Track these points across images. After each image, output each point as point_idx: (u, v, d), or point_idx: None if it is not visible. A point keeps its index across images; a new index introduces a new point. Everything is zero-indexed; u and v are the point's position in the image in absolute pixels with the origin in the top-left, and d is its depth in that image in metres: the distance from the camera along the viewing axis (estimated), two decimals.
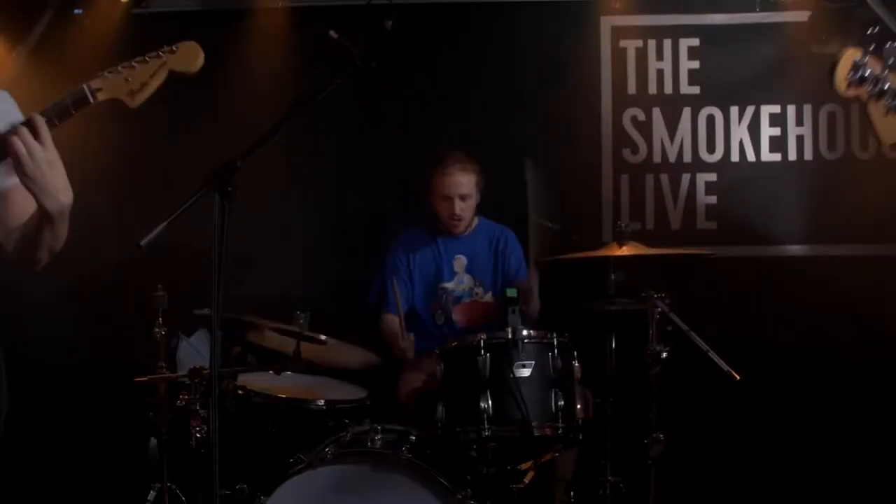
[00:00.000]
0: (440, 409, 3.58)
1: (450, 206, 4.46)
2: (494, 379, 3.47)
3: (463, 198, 4.46)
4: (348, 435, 3.66)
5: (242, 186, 3.62)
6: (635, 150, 5.21)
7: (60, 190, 2.50)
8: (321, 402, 3.97)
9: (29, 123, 2.46)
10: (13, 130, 2.45)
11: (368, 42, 3.58)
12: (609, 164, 5.26)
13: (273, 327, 4.05)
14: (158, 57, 2.55)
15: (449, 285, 4.60)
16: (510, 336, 3.49)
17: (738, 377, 3.57)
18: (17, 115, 2.66)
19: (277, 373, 4.16)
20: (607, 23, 5.26)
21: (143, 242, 3.19)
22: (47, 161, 2.46)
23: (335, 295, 5.07)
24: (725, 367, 3.59)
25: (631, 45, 5.24)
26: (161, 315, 4.19)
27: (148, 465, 4.17)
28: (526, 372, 3.47)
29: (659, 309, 3.75)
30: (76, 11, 5.29)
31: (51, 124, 2.48)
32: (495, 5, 5.25)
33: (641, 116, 5.21)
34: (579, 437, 3.57)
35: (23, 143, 2.43)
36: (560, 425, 3.46)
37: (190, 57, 2.57)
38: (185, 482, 4.07)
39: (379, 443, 3.53)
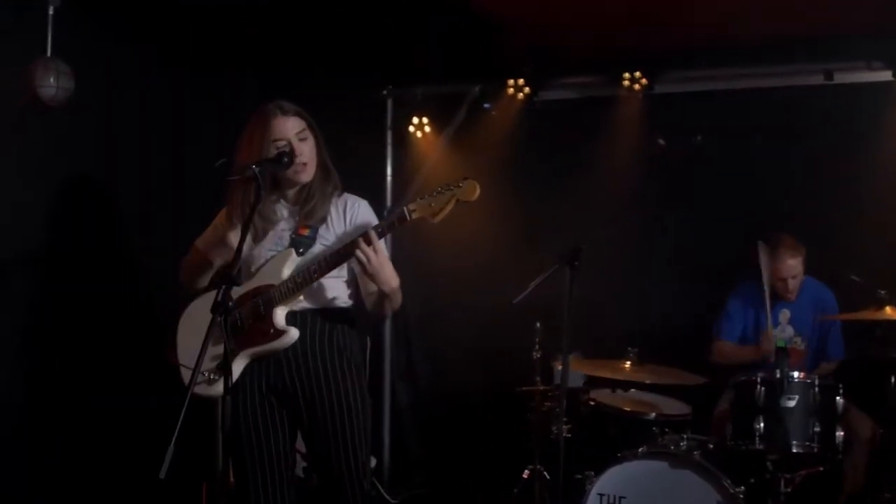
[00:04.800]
0: (728, 427, 4.72)
1: (783, 285, 5.37)
2: (767, 407, 4.55)
3: (794, 277, 5.37)
4: (662, 439, 4.88)
5: (613, 244, 4.79)
6: None
7: (389, 279, 3.50)
8: (652, 415, 5.13)
9: (366, 236, 3.43)
10: (355, 243, 3.43)
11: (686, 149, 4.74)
12: None
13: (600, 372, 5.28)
14: (450, 190, 3.40)
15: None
16: (778, 376, 4.57)
17: None
18: (373, 220, 3.70)
19: (625, 390, 5.40)
20: None
21: (515, 301, 4.62)
22: (379, 263, 3.44)
23: (678, 329, 5.91)
24: None
25: None
26: (537, 342, 5.53)
27: (524, 451, 5.48)
28: (791, 403, 4.53)
29: None
30: (485, 106, 6.54)
31: (382, 233, 3.46)
32: (807, 88, 5.99)
33: None
34: (836, 457, 4.55)
35: (362, 252, 3.43)
36: (815, 446, 4.48)
37: (471, 191, 3.39)
38: (549, 466, 5.33)
39: (681, 447, 4.70)
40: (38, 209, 5.02)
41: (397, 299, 3.64)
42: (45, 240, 5.06)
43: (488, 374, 6.36)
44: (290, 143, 3.62)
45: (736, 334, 5.60)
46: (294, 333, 3.59)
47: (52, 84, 4.71)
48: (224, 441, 3.28)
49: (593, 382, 5.61)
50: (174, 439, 2.81)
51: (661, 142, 4.82)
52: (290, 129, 3.62)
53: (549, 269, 4.78)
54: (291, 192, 3.75)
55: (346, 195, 3.79)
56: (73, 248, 5.18)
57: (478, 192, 3.39)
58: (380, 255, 3.46)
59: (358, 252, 3.44)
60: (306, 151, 3.65)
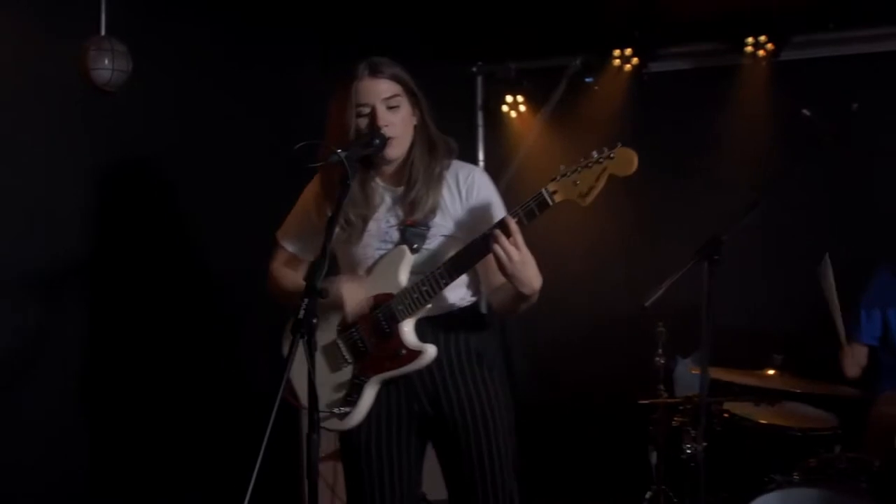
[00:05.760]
0: None
1: None
2: None
3: None
4: (816, 461, 4.18)
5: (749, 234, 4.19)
6: None
7: (532, 279, 2.92)
8: (797, 430, 4.45)
9: (504, 227, 2.84)
10: (493, 235, 2.85)
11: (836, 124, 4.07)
12: None
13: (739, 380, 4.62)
14: (599, 163, 2.81)
15: None
16: None
17: None
18: (492, 192, 3.17)
19: (771, 403, 4.67)
20: None
21: (647, 304, 3.99)
22: (521, 261, 2.86)
23: (814, 332, 5.17)
24: None
25: None
26: (661, 346, 4.96)
27: (647, 471, 4.94)
28: None
29: None
30: (587, 80, 6.00)
31: (520, 223, 2.86)
32: None
33: None
34: None
35: (501, 248, 2.85)
36: None
37: (626, 162, 2.80)
38: (677, 487, 4.79)
39: (842, 470, 4.02)
40: (90, 203, 4.56)
41: (534, 300, 3.02)
42: (96, 237, 4.60)
43: (595, 379, 5.82)
44: (374, 110, 3.05)
45: (875, 335, 4.91)
46: (432, 352, 3.08)
47: (107, 66, 4.34)
48: (310, 487, 2.66)
49: (719, 390, 4.97)
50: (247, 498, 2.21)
51: (807, 112, 4.10)
52: (379, 92, 3.07)
53: (686, 264, 4.10)
54: (388, 171, 3.19)
55: (454, 165, 3.19)
56: (130, 245, 4.73)
57: (636, 163, 2.80)
58: (522, 250, 2.86)
59: (497, 248, 2.85)
60: (396, 123, 3.07)
